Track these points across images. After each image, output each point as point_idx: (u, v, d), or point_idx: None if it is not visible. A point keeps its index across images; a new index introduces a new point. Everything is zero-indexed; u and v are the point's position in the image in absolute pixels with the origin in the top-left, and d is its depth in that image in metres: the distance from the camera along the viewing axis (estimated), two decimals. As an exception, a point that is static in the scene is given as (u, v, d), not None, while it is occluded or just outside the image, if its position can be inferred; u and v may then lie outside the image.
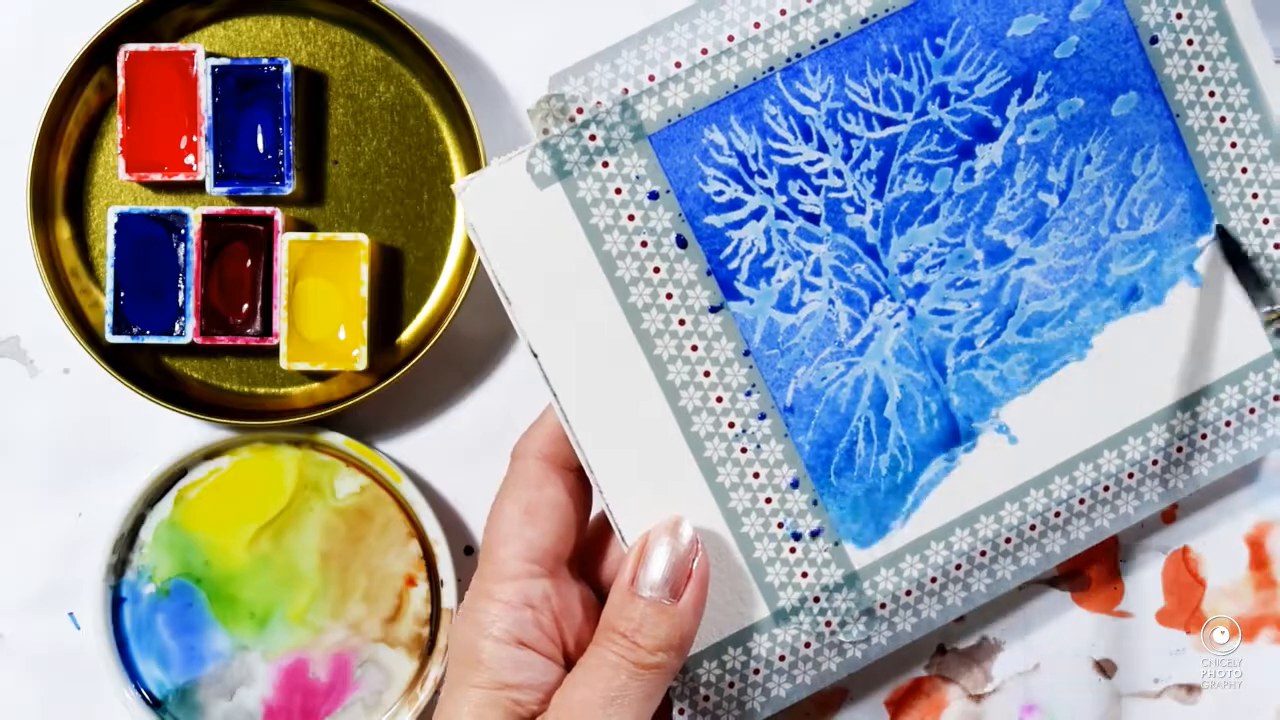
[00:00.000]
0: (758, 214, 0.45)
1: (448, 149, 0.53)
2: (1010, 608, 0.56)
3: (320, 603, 0.53)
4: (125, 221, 0.52)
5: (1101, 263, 0.48)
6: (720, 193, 0.45)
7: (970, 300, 0.47)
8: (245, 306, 0.52)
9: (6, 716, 0.54)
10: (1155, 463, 0.49)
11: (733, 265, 0.45)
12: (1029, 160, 0.47)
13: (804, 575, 0.47)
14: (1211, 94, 0.48)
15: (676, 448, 0.45)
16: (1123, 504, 0.49)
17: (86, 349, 0.51)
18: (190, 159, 0.52)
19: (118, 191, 0.53)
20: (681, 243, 0.45)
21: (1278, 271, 0.49)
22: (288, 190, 0.52)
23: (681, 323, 0.45)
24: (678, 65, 0.45)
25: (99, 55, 0.52)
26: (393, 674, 0.53)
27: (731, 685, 0.47)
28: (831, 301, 0.46)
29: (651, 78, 0.45)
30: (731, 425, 0.46)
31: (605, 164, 0.45)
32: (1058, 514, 0.48)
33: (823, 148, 0.46)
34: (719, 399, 0.46)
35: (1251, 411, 0.49)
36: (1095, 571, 0.56)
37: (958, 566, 0.48)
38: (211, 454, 0.53)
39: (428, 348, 0.52)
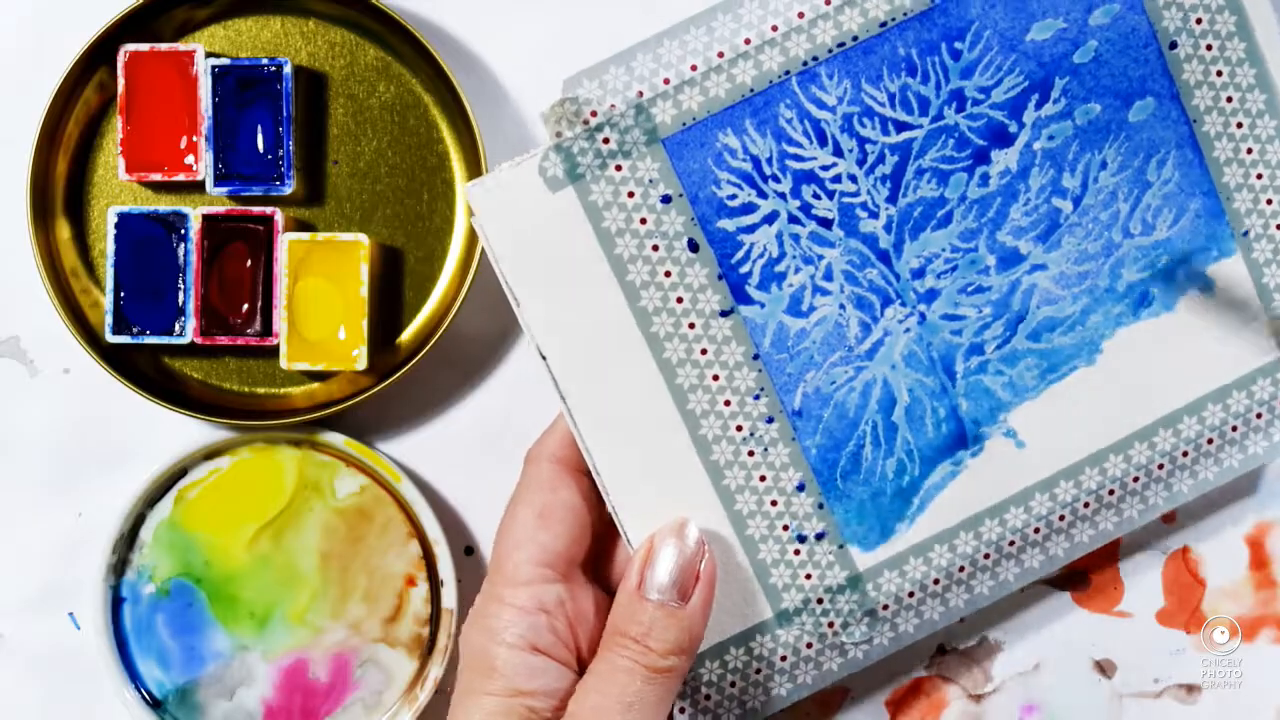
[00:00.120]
0: (770, 218, 0.45)
1: (448, 149, 0.53)
2: (1011, 608, 0.56)
3: (320, 603, 0.53)
4: (125, 221, 0.52)
5: (1114, 268, 0.48)
6: (733, 197, 0.45)
7: (981, 306, 0.47)
8: (245, 306, 0.52)
9: (6, 716, 0.54)
10: (1161, 467, 0.49)
11: (744, 269, 0.46)
12: (1044, 166, 0.47)
13: (808, 577, 0.47)
14: (1229, 99, 0.48)
15: (683, 450, 0.45)
16: (1127, 508, 0.49)
17: (86, 349, 0.51)
18: (190, 159, 0.52)
19: (118, 191, 0.53)
20: (693, 247, 0.45)
21: None
22: (288, 190, 0.52)
23: (691, 326, 0.45)
24: (693, 68, 0.45)
25: (99, 55, 0.52)
26: (393, 674, 0.53)
27: (733, 685, 0.47)
28: (842, 306, 0.46)
29: (666, 81, 0.45)
30: (739, 428, 0.46)
31: (618, 167, 0.45)
32: (1062, 517, 0.48)
33: (837, 152, 0.46)
34: (727, 402, 0.46)
35: (1258, 417, 0.49)
36: (1095, 572, 0.56)
37: (961, 569, 0.48)
38: (211, 454, 0.53)
39: (428, 348, 0.52)
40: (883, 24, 0.45)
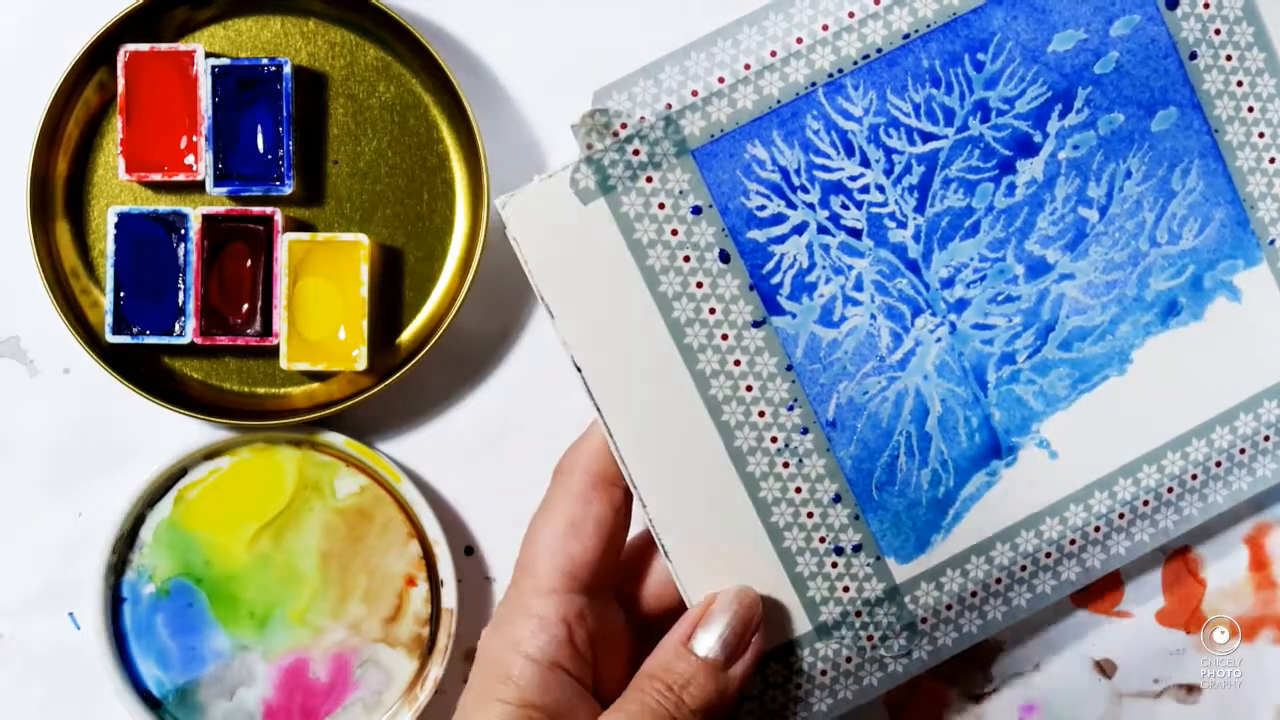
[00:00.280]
0: (800, 229, 0.45)
1: (448, 149, 0.53)
2: (1010, 608, 0.56)
3: (320, 603, 0.53)
4: (125, 221, 0.52)
5: (1141, 277, 0.48)
6: (763, 207, 0.45)
7: (1011, 315, 0.47)
8: (245, 306, 0.52)
9: (6, 716, 0.54)
10: (1194, 477, 0.49)
11: (775, 280, 0.46)
12: (1069, 175, 0.47)
13: (845, 590, 0.47)
14: (1250, 109, 0.48)
15: (719, 462, 0.45)
16: (1161, 518, 0.49)
17: (86, 349, 0.51)
18: (190, 159, 0.52)
19: (118, 191, 0.53)
20: (724, 258, 0.45)
21: None
22: (288, 190, 0.52)
23: (724, 338, 0.45)
24: (721, 80, 0.45)
25: (99, 55, 0.52)
26: (393, 674, 0.53)
27: (773, 699, 0.47)
28: (873, 316, 0.46)
29: (695, 93, 0.45)
30: (774, 440, 0.46)
31: (649, 179, 0.45)
32: (1097, 528, 0.48)
33: (865, 163, 0.46)
34: (761, 413, 0.46)
35: None
36: (1095, 571, 0.56)
37: (998, 581, 0.48)
38: (211, 454, 0.53)
39: (428, 348, 0.52)
40: (906, 36, 0.46)
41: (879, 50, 0.45)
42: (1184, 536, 0.56)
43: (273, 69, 0.52)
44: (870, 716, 0.55)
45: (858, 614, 0.47)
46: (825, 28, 0.45)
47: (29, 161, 0.51)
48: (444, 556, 0.53)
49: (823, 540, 0.46)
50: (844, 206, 0.46)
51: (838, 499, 0.46)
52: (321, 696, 0.53)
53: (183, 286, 0.52)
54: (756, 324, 0.46)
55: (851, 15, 0.45)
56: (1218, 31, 0.47)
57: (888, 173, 0.46)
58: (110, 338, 0.52)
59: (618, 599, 0.46)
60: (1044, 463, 0.48)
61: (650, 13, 0.54)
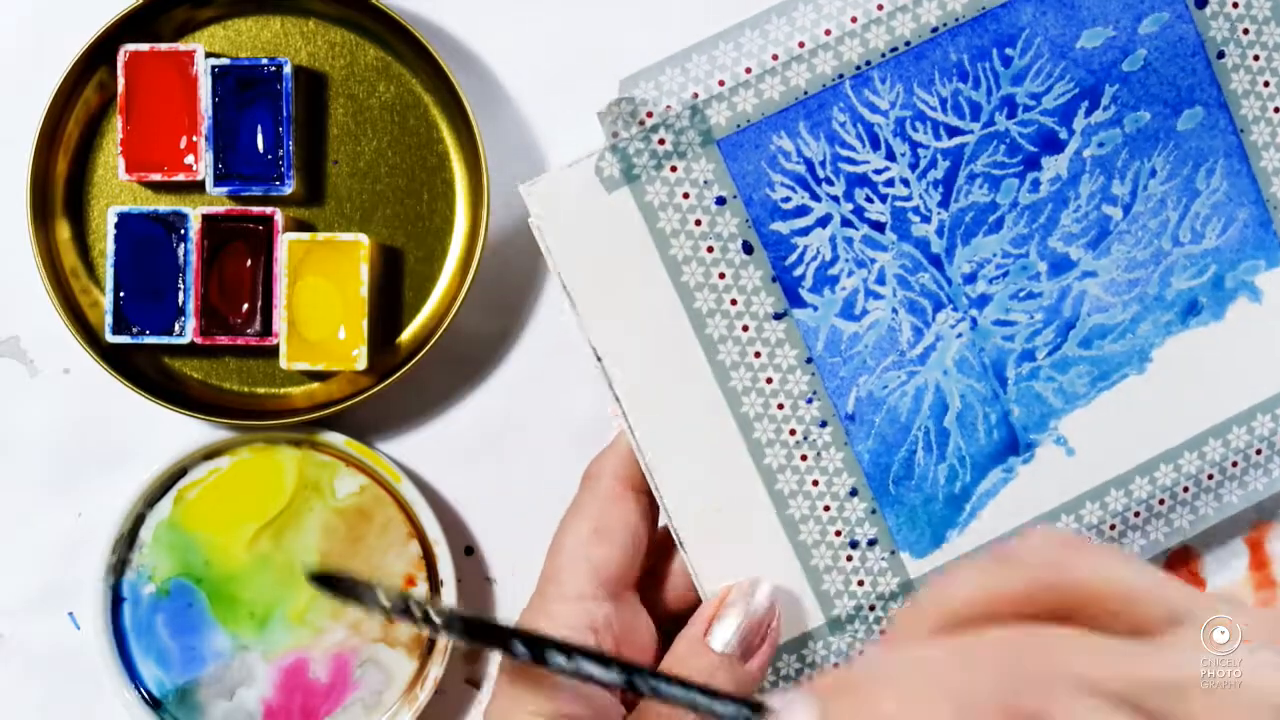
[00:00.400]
0: (824, 221, 0.46)
1: (448, 149, 0.53)
2: (1010, 608, 0.55)
3: (320, 603, 0.53)
4: (125, 221, 0.52)
5: (1163, 276, 0.48)
6: (787, 199, 0.45)
7: (1033, 312, 0.47)
8: (245, 306, 0.52)
9: (6, 716, 0.54)
10: (1210, 477, 0.49)
11: (798, 272, 0.46)
12: (1094, 173, 0.47)
13: (860, 584, 0.47)
14: (1277, 110, 0.48)
15: (737, 454, 0.45)
16: (1177, 518, 0.49)
17: (86, 349, 0.51)
18: (190, 159, 0.52)
19: (118, 191, 0.53)
20: (747, 249, 0.45)
21: None
22: (288, 190, 0.52)
23: (745, 329, 0.45)
24: (748, 71, 0.45)
25: (99, 55, 0.52)
26: (393, 674, 0.53)
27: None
28: (895, 310, 0.46)
29: (721, 83, 0.45)
30: (793, 432, 0.46)
31: (673, 168, 0.45)
32: (1113, 527, 0.48)
33: (890, 156, 0.46)
34: (780, 406, 0.46)
35: None
36: (1095, 571, 0.56)
37: None
38: (211, 454, 0.53)
39: (428, 348, 0.52)
40: (934, 29, 0.46)
41: (907, 43, 0.46)
42: (1184, 536, 0.56)
43: (273, 69, 0.52)
44: (870, 716, 0.55)
45: (871, 608, 0.47)
46: (854, 20, 0.45)
47: (29, 161, 0.51)
48: (444, 556, 0.53)
49: (838, 533, 0.46)
50: (868, 200, 0.46)
51: (855, 493, 0.46)
52: (321, 696, 0.53)
53: (183, 286, 0.52)
54: (778, 316, 0.46)
55: (880, 8, 0.45)
56: (1246, 31, 0.47)
57: (913, 167, 0.46)
58: (110, 338, 0.52)
59: (645, 602, 0.46)
60: (1061, 460, 0.48)
61: (651, 12, 0.54)
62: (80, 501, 0.54)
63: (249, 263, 0.52)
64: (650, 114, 0.44)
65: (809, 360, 0.46)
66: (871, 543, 0.47)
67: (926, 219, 0.46)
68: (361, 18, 0.53)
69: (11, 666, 0.54)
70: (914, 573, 0.47)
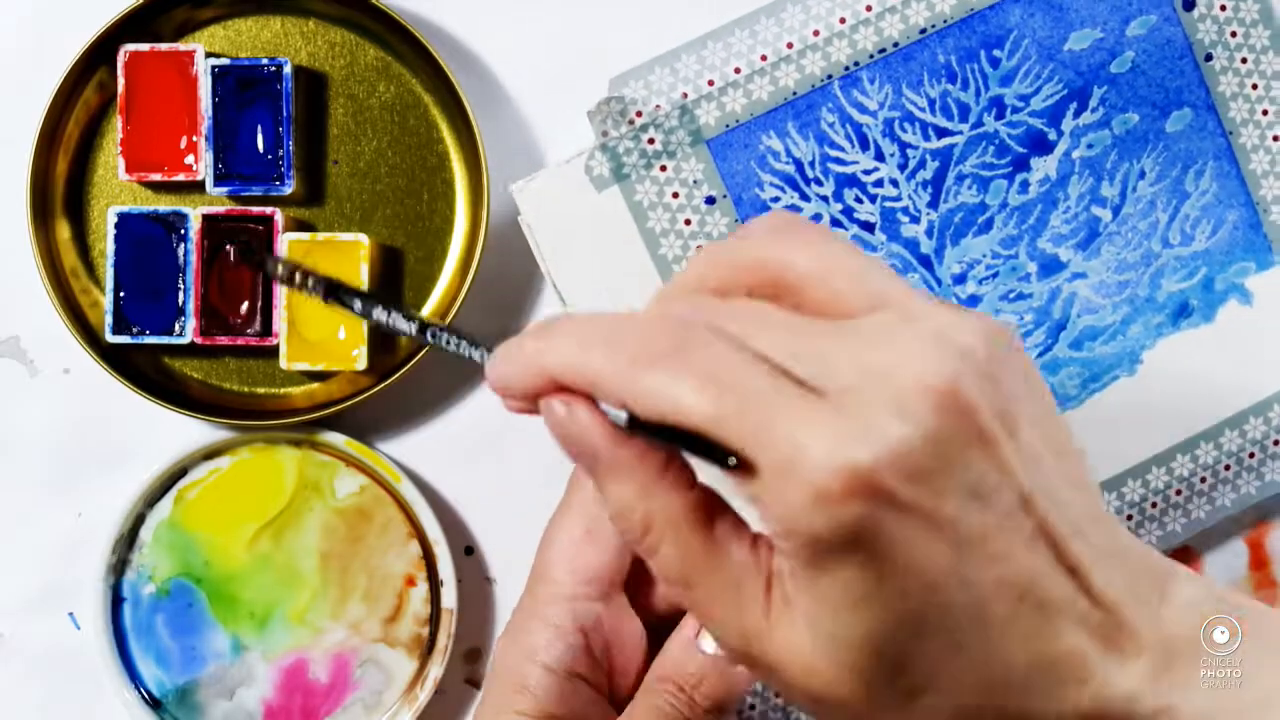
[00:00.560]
0: (813, 221, 0.46)
1: (448, 149, 0.53)
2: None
3: (320, 603, 0.53)
4: (125, 221, 0.52)
5: (1153, 278, 0.48)
6: (776, 199, 0.45)
7: (1023, 313, 0.47)
8: (245, 306, 0.52)
9: (6, 716, 0.54)
10: (1203, 480, 0.49)
11: None
12: (1083, 174, 0.47)
13: None
14: (1265, 112, 0.48)
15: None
16: (1170, 521, 0.49)
17: (86, 349, 0.51)
18: (190, 159, 0.52)
19: (118, 191, 0.53)
20: None
21: None
22: (288, 190, 0.52)
23: None
24: (737, 71, 0.45)
25: (99, 55, 0.52)
26: (393, 674, 0.53)
27: (777, 694, 0.47)
28: None
29: (711, 83, 0.45)
30: None
31: (663, 168, 0.45)
32: None
33: (879, 157, 0.46)
34: None
35: None
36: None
37: None
38: (211, 454, 0.53)
39: (428, 348, 0.52)
40: (923, 31, 0.46)
41: (895, 44, 0.46)
42: (1184, 536, 0.56)
43: (273, 69, 0.52)
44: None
45: None
46: (842, 21, 0.46)
47: (29, 161, 0.51)
48: (444, 556, 0.53)
49: None
50: (858, 200, 0.46)
51: None
52: (321, 696, 0.53)
53: (183, 286, 0.52)
54: None
55: (869, 9, 0.45)
56: (1234, 34, 0.47)
57: (902, 167, 0.46)
58: (110, 338, 0.52)
59: (631, 601, 0.46)
60: None
61: (650, 12, 0.54)
62: (80, 501, 0.54)
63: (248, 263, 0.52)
64: (640, 113, 0.45)
65: None
66: None
67: (916, 219, 0.46)
68: (361, 18, 0.53)
69: (11, 666, 0.54)
70: None
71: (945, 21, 0.46)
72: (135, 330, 0.52)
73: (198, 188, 0.53)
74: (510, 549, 0.55)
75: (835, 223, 0.46)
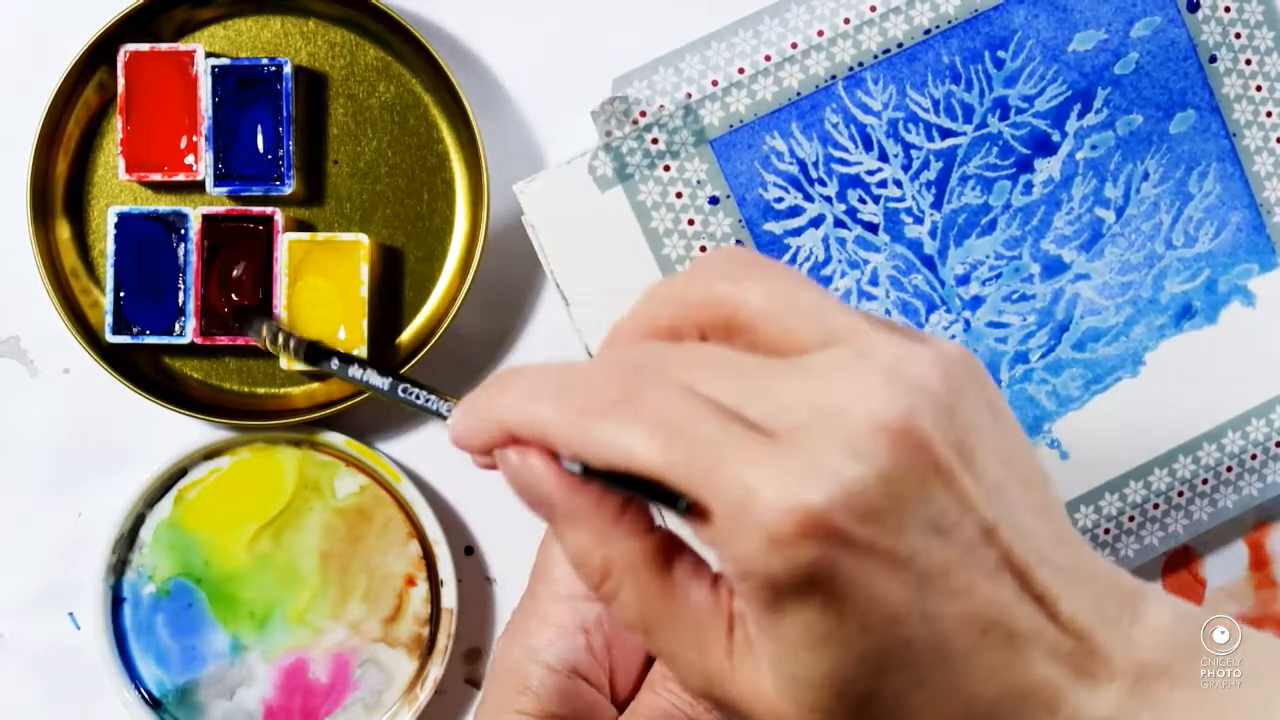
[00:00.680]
0: (816, 221, 0.46)
1: (448, 149, 0.53)
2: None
3: (320, 603, 0.53)
4: (125, 221, 0.52)
5: (1157, 279, 0.48)
6: (780, 199, 0.45)
7: (1026, 314, 0.47)
8: (245, 306, 0.52)
9: (6, 716, 0.54)
10: (1205, 481, 0.49)
11: None
12: (1087, 175, 0.47)
13: None
14: (1269, 114, 0.48)
15: None
16: (1171, 522, 0.49)
17: (86, 349, 0.51)
18: (190, 159, 0.52)
19: (118, 191, 0.53)
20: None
21: None
22: (288, 190, 0.52)
23: None
24: (741, 71, 0.45)
25: (99, 55, 0.52)
26: (393, 674, 0.53)
27: None
28: (888, 312, 0.46)
29: (715, 83, 0.45)
30: None
31: (667, 168, 0.45)
32: (1107, 531, 0.48)
33: (883, 157, 0.46)
34: None
35: None
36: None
37: None
38: (211, 454, 0.53)
39: (428, 348, 0.52)
40: (927, 31, 0.46)
41: (900, 45, 0.46)
42: (1184, 537, 0.56)
43: (273, 69, 0.52)
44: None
45: None
46: (847, 21, 0.46)
47: (29, 161, 0.51)
48: (444, 556, 0.53)
49: None
50: (861, 200, 0.46)
51: None
52: (321, 696, 0.53)
53: (183, 286, 0.52)
54: None
55: (873, 9, 0.45)
56: (1238, 35, 0.47)
57: (905, 168, 0.46)
58: (110, 338, 0.52)
59: None
60: (1055, 463, 0.48)
61: (652, 12, 0.54)
62: (80, 501, 0.54)
63: (248, 263, 0.52)
64: (644, 113, 0.45)
65: None
66: None
67: (919, 220, 0.46)
68: (361, 18, 0.53)
69: (11, 666, 0.54)
70: None
71: (950, 22, 0.46)
72: (135, 330, 0.52)
73: (198, 188, 0.53)
74: (510, 549, 0.55)
75: (839, 223, 0.46)
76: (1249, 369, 0.49)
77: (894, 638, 0.29)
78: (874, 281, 0.46)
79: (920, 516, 0.28)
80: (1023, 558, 0.29)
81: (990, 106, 0.46)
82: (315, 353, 0.39)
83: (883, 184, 0.46)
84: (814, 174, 0.45)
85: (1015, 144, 0.47)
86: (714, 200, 0.45)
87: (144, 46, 0.51)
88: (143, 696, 0.52)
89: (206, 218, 0.52)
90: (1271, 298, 0.48)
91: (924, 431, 0.28)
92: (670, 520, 0.30)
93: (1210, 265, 0.48)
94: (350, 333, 0.52)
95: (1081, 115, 0.47)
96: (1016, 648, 0.29)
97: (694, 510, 0.28)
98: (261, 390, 0.54)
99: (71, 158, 0.53)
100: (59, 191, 0.53)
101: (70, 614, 0.54)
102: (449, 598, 0.53)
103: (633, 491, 0.29)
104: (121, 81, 0.51)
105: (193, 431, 0.54)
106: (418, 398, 0.36)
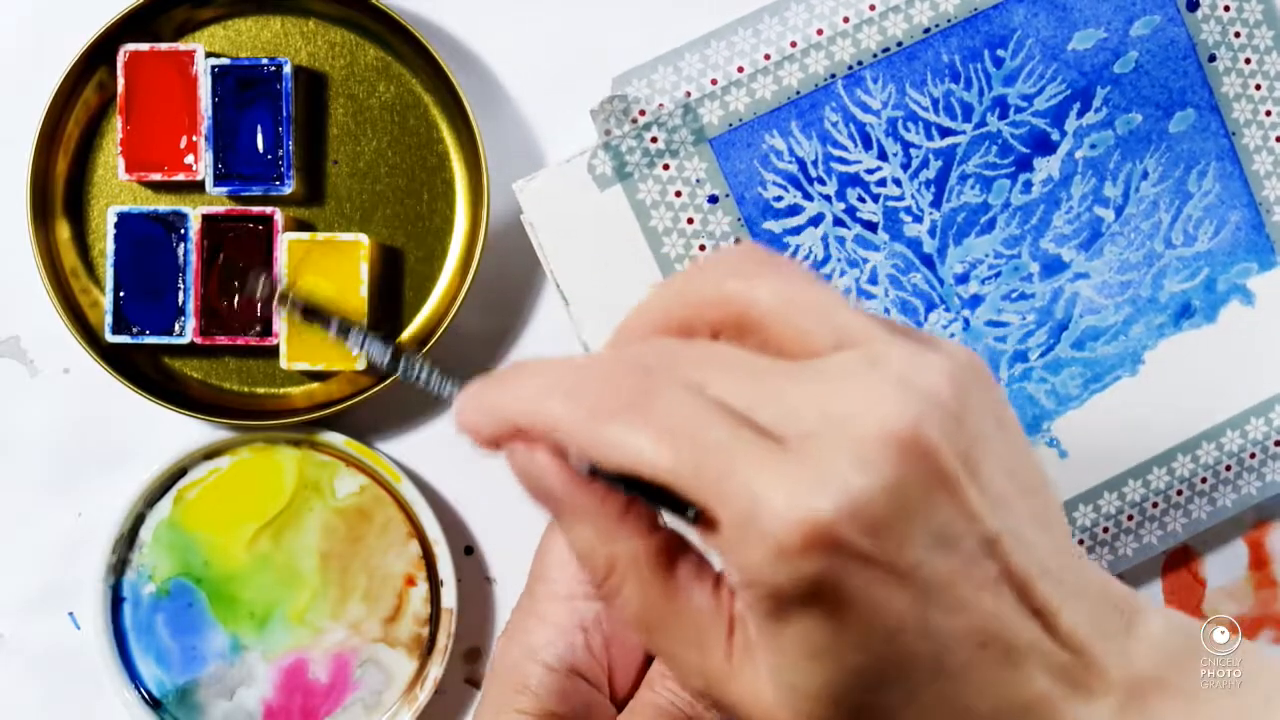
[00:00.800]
0: (816, 220, 0.46)
1: (448, 149, 0.53)
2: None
3: (320, 603, 0.53)
4: (125, 221, 0.52)
5: (1156, 278, 0.48)
6: (779, 198, 0.45)
7: (1025, 313, 0.47)
8: (245, 306, 0.52)
9: (6, 716, 0.54)
10: (1204, 480, 0.49)
11: None
12: (1086, 174, 0.47)
13: None
14: (1268, 113, 0.48)
15: None
16: (1170, 521, 0.49)
17: (86, 349, 0.51)
18: (190, 159, 0.52)
19: (118, 191, 0.53)
20: None
21: None
22: (288, 190, 0.52)
23: None
24: (740, 70, 0.45)
25: (99, 55, 0.52)
26: (392, 674, 0.53)
27: None
28: (887, 310, 0.46)
29: (714, 81, 0.45)
30: None
31: (666, 166, 0.45)
32: (1106, 530, 0.48)
33: (882, 156, 0.46)
34: None
35: None
36: (1095, 571, 0.56)
37: None
38: (211, 454, 0.53)
39: (428, 348, 0.52)
40: (926, 30, 0.46)
41: (899, 44, 0.46)
42: (1184, 536, 0.56)
43: (273, 69, 0.52)
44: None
45: None
46: (846, 20, 0.46)
47: (29, 161, 0.51)
48: (444, 556, 0.53)
49: None
50: (860, 199, 0.46)
51: None
52: (321, 696, 0.53)
53: (183, 286, 0.52)
54: None
55: (872, 8, 0.46)
56: (1237, 34, 0.47)
57: (905, 167, 0.46)
58: (110, 338, 0.52)
59: None
60: (1054, 462, 0.48)
61: (652, 11, 0.54)
62: (80, 501, 0.54)
63: (247, 263, 0.52)
64: (643, 112, 0.45)
65: None
66: None
67: (919, 219, 0.46)
68: (361, 18, 0.53)
69: (11, 666, 0.54)
70: None
71: (949, 21, 0.46)
72: (135, 330, 0.52)
73: (198, 188, 0.53)
74: (510, 549, 0.55)
75: (838, 221, 0.46)
76: (1248, 368, 0.49)
77: (893, 651, 0.29)
78: (873, 280, 0.46)
79: (925, 528, 0.28)
80: (1023, 570, 0.29)
81: (990, 105, 0.46)
82: (314, 316, 0.37)
83: (882, 183, 0.46)
84: (813, 173, 0.45)
85: (1014, 143, 0.47)
86: (713, 199, 0.45)
87: (144, 46, 0.52)
88: (143, 696, 0.52)
89: (206, 218, 0.52)
90: (1270, 297, 0.48)
91: (932, 442, 0.28)
92: (674, 519, 0.30)
93: (1209, 264, 0.48)
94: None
95: (1081, 114, 0.47)
96: (1014, 662, 0.29)
97: (701, 518, 0.28)
98: (261, 390, 0.54)
99: (71, 158, 0.53)
100: (59, 191, 0.53)
101: (70, 614, 0.54)
102: (449, 598, 0.53)
103: (640, 495, 0.29)
104: (121, 81, 0.51)
105: (193, 431, 0.54)
106: (419, 377, 0.35)
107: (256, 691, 0.53)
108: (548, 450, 0.30)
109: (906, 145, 0.46)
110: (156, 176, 0.52)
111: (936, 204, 0.46)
